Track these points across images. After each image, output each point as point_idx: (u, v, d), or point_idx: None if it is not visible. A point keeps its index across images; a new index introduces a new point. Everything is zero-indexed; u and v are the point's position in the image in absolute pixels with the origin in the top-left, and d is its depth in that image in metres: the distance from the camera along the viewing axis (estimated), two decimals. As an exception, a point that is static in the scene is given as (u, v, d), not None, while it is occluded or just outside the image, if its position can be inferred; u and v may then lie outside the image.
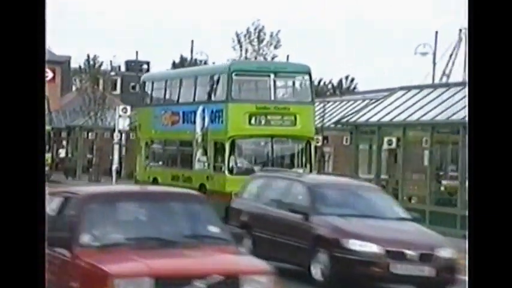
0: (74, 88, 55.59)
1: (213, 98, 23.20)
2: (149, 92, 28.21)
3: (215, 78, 22.76)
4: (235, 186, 21.29)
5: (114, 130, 34.59)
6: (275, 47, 30.23)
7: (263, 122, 21.48)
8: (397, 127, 23.60)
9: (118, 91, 66.19)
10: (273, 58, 30.65)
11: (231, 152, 21.39)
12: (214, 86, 22.86)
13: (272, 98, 21.90)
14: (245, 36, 30.56)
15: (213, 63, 37.86)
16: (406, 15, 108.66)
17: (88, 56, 47.24)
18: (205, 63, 46.84)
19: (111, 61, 64.81)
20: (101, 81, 46.75)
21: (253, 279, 7.38)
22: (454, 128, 22.08)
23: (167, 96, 26.53)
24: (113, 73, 60.40)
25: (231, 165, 21.40)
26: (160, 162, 26.64)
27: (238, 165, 21.57)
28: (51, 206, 7.87)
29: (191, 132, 23.88)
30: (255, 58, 30.33)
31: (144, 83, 28.54)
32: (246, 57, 30.98)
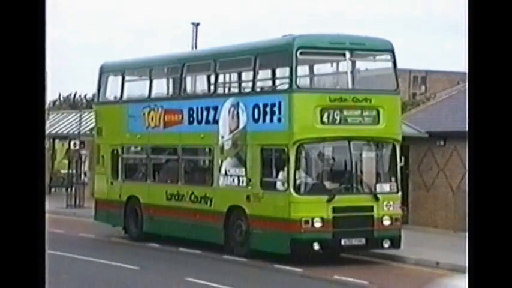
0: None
1: (257, 86, 15.81)
2: (117, 85, 20.78)
3: (264, 58, 15.35)
4: (305, 210, 14.52)
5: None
6: None
7: (338, 119, 14.47)
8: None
9: None
10: None
11: (297, 163, 14.30)
12: (259, 70, 15.60)
13: (349, 85, 14.85)
14: None
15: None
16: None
17: None
18: None
19: None
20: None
21: None
22: None
23: (155, 89, 19.17)
24: None
25: (298, 181, 14.32)
26: (141, 176, 19.45)
27: (308, 180, 14.52)
28: None
29: (209, 136, 16.54)
30: None
31: (104, 73, 21.01)
32: None
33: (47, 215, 22.46)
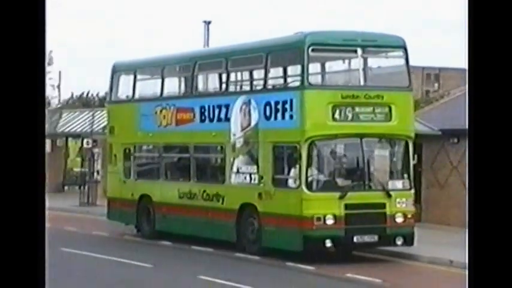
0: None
1: (269, 84, 15.67)
2: (129, 84, 20.71)
3: (276, 56, 15.23)
4: (317, 207, 14.43)
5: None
6: (48, 64, 32.59)
7: (350, 116, 14.31)
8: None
9: None
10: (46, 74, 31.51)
11: (309, 160, 14.16)
12: (271, 67, 15.41)
13: (361, 82, 14.70)
14: None
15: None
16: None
17: None
18: None
19: None
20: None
21: None
22: None
23: (167, 88, 19.05)
24: None
25: (310, 178, 14.20)
26: (154, 175, 19.25)
27: (320, 177, 14.40)
28: None
29: (221, 134, 16.45)
30: None
31: (116, 72, 20.98)
32: None
33: (60, 213, 22.54)
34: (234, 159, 16.11)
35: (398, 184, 14.77)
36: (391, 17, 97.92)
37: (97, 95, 47.85)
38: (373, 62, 15.37)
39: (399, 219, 14.57)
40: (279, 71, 16.27)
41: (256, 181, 15.37)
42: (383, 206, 14.59)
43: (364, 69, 14.87)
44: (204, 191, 17.00)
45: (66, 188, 33.93)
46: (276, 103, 14.95)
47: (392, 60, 15.38)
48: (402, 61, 15.02)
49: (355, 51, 14.68)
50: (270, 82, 15.89)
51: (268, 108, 15.14)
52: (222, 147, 16.65)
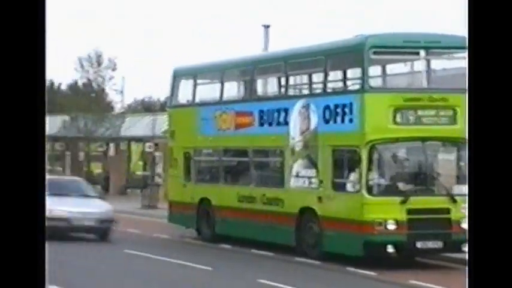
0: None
1: (328, 87, 15.46)
2: (189, 89, 20.75)
3: (336, 59, 14.97)
4: (378, 212, 14.10)
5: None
6: (112, 70, 33.89)
7: (412, 119, 13.92)
8: None
9: None
10: (110, 79, 34.18)
11: (370, 164, 13.84)
12: (330, 70, 15.09)
13: (425, 84, 14.35)
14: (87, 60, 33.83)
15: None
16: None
17: None
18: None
19: None
20: None
21: None
22: None
23: (227, 92, 19.12)
24: None
25: (370, 182, 13.90)
26: (213, 179, 19.26)
27: (381, 181, 14.05)
28: None
29: (280, 137, 16.20)
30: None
31: (177, 77, 21.05)
32: (88, 79, 34.27)
33: (123, 215, 23.07)
34: (293, 162, 15.92)
35: (464, 189, 14.32)
36: (391, 17, 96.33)
37: (158, 99, 48.32)
38: (437, 63, 14.97)
39: (465, 225, 14.13)
40: (339, 74, 16.02)
41: (316, 185, 15.15)
42: (447, 211, 14.17)
43: (427, 71, 14.50)
44: (264, 195, 16.85)
45: (128, 190, 34.30)
46: (336, 106, 14.68)
47: (457, 62, 14.93)
48: (464, 62, 14.60)
49: (418, 53, 14.32)
50: (330, 85, 15.66)
51: (327, 111, 14.90)
52: (281, 150, 16.47)
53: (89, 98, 34.20)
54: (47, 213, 16.44)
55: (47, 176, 17.90)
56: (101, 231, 18.26)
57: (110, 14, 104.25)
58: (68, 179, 22.45)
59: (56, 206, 17.13)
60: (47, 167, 37.08)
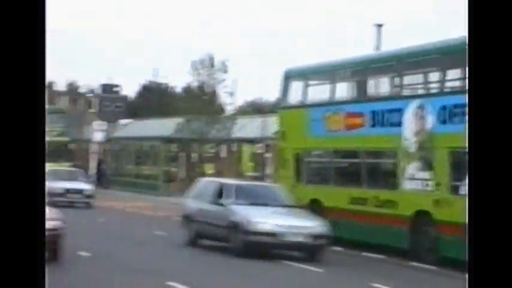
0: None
1: (446, 86, 14.85)
2: (300, 90, 20.63)
3: (453, 57, 14.26)
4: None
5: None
6: (224, 72, 33.90)
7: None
8: None
9: (94, 109, 77.64)
10: (222, 81, 34.25)
11: (490, 166, 13.48)
12: (447, 69, 14.54)
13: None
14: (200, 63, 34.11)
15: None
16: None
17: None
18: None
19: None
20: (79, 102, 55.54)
21: None
22: None
23: (338, 92, 18.81)
24: (90, 94, 72.35)
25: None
26: (324, 180, 19.15)
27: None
28: None
29: (393, 138, 15.75)
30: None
31: (288, 78, 20.98)
32: (201, 82, 34.85)
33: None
34: (406, 164, 15.46)
35: None
36: (391, 17, 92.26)
37: (267, 101, 48.42)
38: None
39: None
40: (457, 72, 15.44)
41: (432, 187, 14.64)
42: None
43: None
44: (376, 197, 16.45)
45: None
46: (454, 106, 14.12)
47: None
48: None
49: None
50: (448, 84, 15.09)
51: (444, 112, 14.35)
52: (393, 152, 16.04)
53: (201, 101, 34.70)
54: (249, 227, 13.17)
55: (235, 182, 16.99)
56: (312, 249, 14.99)
57: (223, 16, 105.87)
58: (265, 185, 19.34)
59: (260, 218, 14.67)
60: (163, 168, 37.98)
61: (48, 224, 11.71)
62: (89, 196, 27.62)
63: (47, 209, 12.32)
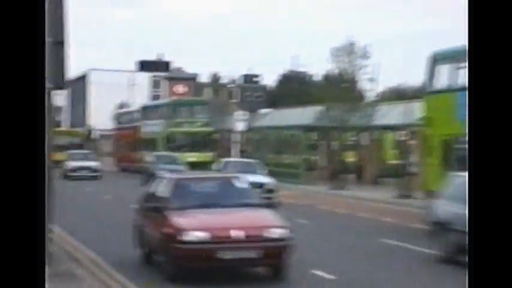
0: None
1: None
2: (449, 73, 19.63)
3: None
4: None
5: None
6: (366, 58, 33.19)
7: None
8: None
9: (236, 99, 77.83)
10: (363, 68, 33.35)
11: None
12: None
13: None
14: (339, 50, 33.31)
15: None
16: None
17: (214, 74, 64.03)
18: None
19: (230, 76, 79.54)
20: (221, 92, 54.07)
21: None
22: None
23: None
24: (232, 85, 73.97)
25: None
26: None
27: None
28: None
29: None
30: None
31: (436, 62, 19.83)
32: (341, 69, 33.92)
33: (375, 204, 21.64)
34: None
35: None
36: (391, 17, 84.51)
37: (409, 86, 47.18)
38: None
39: None
40: None
41: None
42: None
43: None
44: None
45: (381, 179, 33.84)
46: None
47: None
48: None
49: None
50: None
51: None
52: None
53: (341, 88, 34.23)
54: None
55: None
56: None
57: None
58: None
59: None
60: (303, 156, 37.76)
61: (273, 233, 10.19)
62: (269, 191, 23.60)
63: (270, 214, 10.55)
